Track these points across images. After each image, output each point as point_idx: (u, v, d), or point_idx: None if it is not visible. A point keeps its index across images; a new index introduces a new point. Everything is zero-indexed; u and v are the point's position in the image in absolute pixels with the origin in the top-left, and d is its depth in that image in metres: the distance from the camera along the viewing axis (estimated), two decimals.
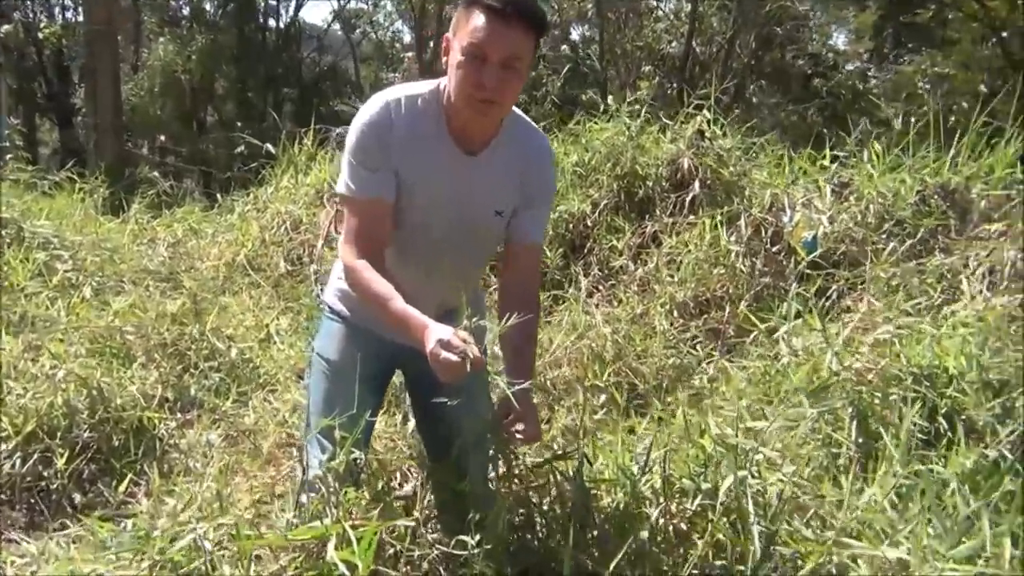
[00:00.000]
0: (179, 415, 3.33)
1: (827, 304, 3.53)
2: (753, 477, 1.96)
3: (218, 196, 7.54)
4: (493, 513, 1.81)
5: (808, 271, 3.68)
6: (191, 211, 6.33)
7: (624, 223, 4.33)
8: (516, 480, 1.99)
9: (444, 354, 1.67)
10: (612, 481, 2.13)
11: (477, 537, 1.81)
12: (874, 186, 4.02)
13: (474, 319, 1.74)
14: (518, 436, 1.83)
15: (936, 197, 3.95)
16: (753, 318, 3.24)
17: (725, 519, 1.93)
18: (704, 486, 1.98)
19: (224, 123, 14.25)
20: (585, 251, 4.42)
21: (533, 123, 2.06)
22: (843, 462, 2.42)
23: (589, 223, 4.45)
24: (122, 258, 4.94)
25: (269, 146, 7.08)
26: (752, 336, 3.29)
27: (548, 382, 3.32)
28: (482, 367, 1.71)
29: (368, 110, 1.90)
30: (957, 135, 4.27)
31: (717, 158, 4.35)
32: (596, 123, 4.87)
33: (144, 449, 3.02)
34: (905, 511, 1.96)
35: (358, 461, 1.96)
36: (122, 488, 2.72)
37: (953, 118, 4.15)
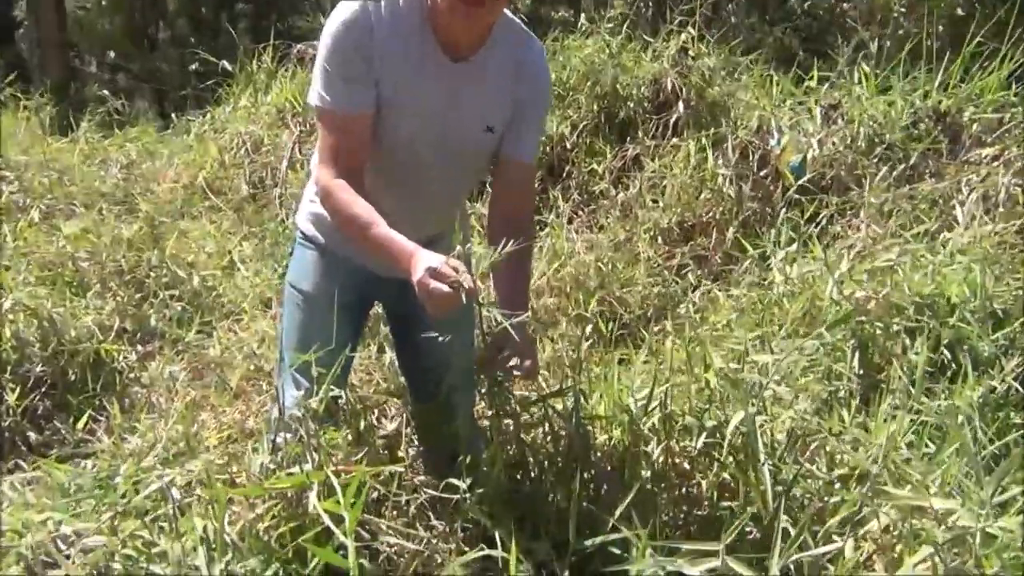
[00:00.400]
0: (139, 347, 3.14)
1: (816, 230, 3.42)
2: (760, 414, 1.85)
3: (172, 116, 7.20)
4: (488, 455, 1.68)
5: (796, 196, 3.55)
6: (145, 131, 5.99)
7: (605, 146, 4.15)
8: (508, 419, 1.85)
9: (434, 284, 1.51)
10: (609, 418, 2.01)
11: (468, 480, 1.68)
12: (864, 109, 3.87)
13: (467, 244, 1.57)
14: (515, 372, 1.68)
15: (927, 120, 3.82)
16: (746, 243, 3.11)
17: (732, 458, 1.82)
18: (708, 423, 1.86)
19: (176, 39, 13.61)
20: (564, 175, 4.24)
21: (527, 28, 1.86)
22: (843, 395, 2.33)
23: (568, 145, 4.26)
24: (72, 180, 4.65)
25: (225, 63, 6.71)
26: (744, 265, 3.17)
27: (530, 311, 3.18)
28: (475, 298, 1.56)
29: (345, 10, 1.69)
30: (946, 57, 4.12)
31: (701, 77, 4.16)
32: (575, 40, 4.64)
33: (103, 383, 2.85)
34: (921, 448, 1.87)
35: (337, 399, 1.80)
36: (80, 425, 2.54)
37: (929, 41, 3.96)
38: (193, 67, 10.13)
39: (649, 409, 1.89)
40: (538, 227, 3.92)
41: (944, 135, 3.77)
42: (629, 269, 3.42)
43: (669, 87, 4.16)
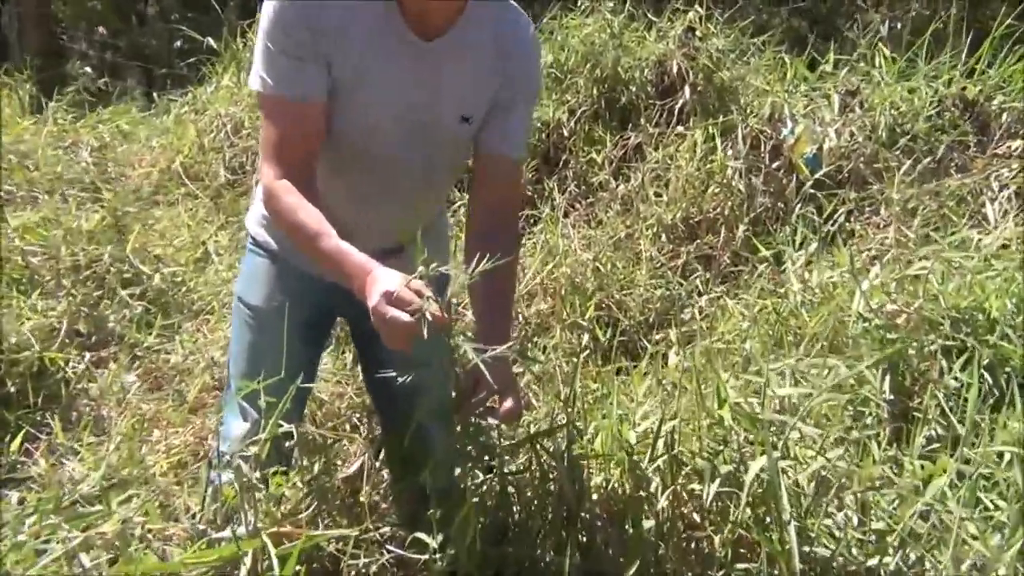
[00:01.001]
0: (92, 353, 2.87)
1: (833, 228, 3.14)
2: (783, 457, 1.58)
3: (154, 95, 6.90)
4: (462, 515, 1.41)
5: (812, 191, 3.27)
6: (120, 111, 5.69)
7: (604, 133, 3.85)
8: (487, 469, 1.58)
9: (392, 312, 1.23)
10: (607, 456, 1.74)
11: (440, 538, 1.41)
12: (884, 96, 3.58)
13: (432, 264, 1.29)
14: (491, 418, 1.41)
15: (953, 109, 3.53)
16: (757, 243, 2.83)
17: (750, 510, 1.55)
18: (723, 468, 1.59)
19: (164, 14, 13.24)
20: (560, 164, 3.95)
21: (514, 2, 1.57)
22: (870, 422, 2.06)
23: (565, 133, 3.96)
24: (36, 164, 4.36)
25: (210, 40, 6.40)
26: (756, 269, 2.89)
27: (521, 317, 2.90)
28: (444, 328, 1.28)
29: None
30: (965, 40, 3.83)
31: (709, 60, 3.86)
32: (573, 18, 4.33)
33: (46, 396, 2.57)
34: (963, 494, 1.60)
35: (289, 436, 1.53)
36: (15, 446, 2.27)
37: (943, 23, 3.66)
38: (177, 44, 9.81)
39: (654, 452, 1.62)
40: (531, 222, 3.64)
41: (971, 125, 3.49)
42: (629, 269, 3.14)
43: (675, 70, 3.86)
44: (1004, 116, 3.49)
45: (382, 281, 1.27)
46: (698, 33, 4.00)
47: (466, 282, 1.34)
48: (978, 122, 3.51)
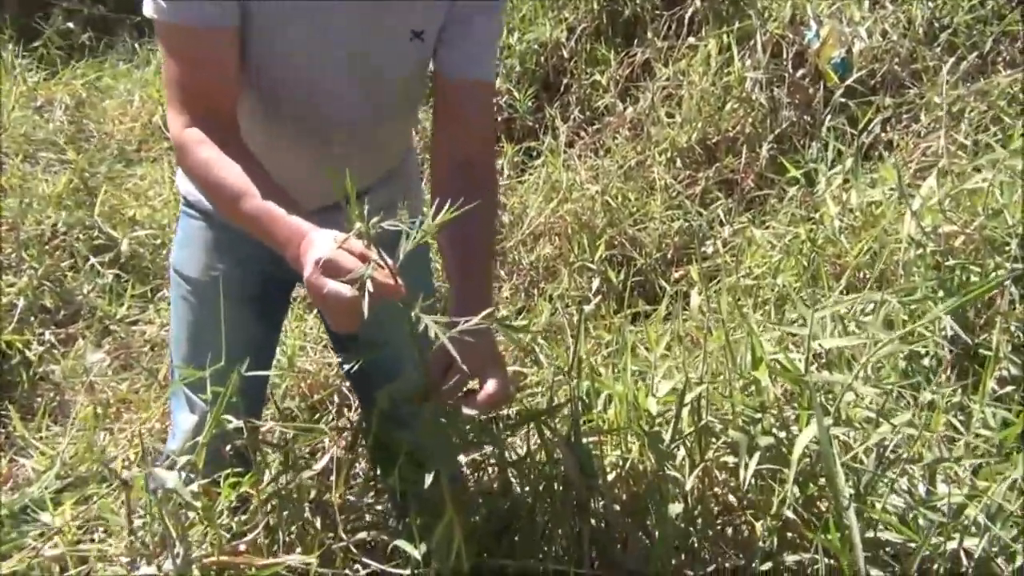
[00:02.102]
0: (58, 330, 2.63)
1: (867, 141, 2.81)
2: (837, 424, 1.30)
3: (135, 46, 6.56)
4: (443, 523, 1.14)
5: (842, 100, 2.92)
6: (92, 65, 5.37)
7: (608, 51, 3.49)
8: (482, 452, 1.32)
9: (329, 285, 0.95)
10: (621, 429, 1.47)
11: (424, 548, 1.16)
12: None
13: (375, 218, 0.99)
14: (470, 404, 1.13)
15: None
16: (785, 162, 2.51)
17: (798, 490, 1.28)
18: (762, 440, 1.31)
19: None
20: (562, 89, 3.60)
21: None
22: (929, 364, 1.78)
23: (565, 54, 3.61)
24: (3, 126, 4.08)
25: None
26: (786, 192, 2.57)
27: (527, 263, 2.62)
28: (397, 295, 0.99)
29: None
30: None
31: None
32: None
33: (5, 382, 2.34)
34: None
35: (240, 432, 1.26)
36: None
37: None
38: None
39: (678, 424, 1.35)
40: (533, 155, 3.32)
41: (1019, 14, 3.10)
42: (643, 201, 2.83)
43: None
44: None
45: (317, 245, 0.99)
46: None
47: (430, 231, 1.04)
48: None
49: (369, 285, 0.93)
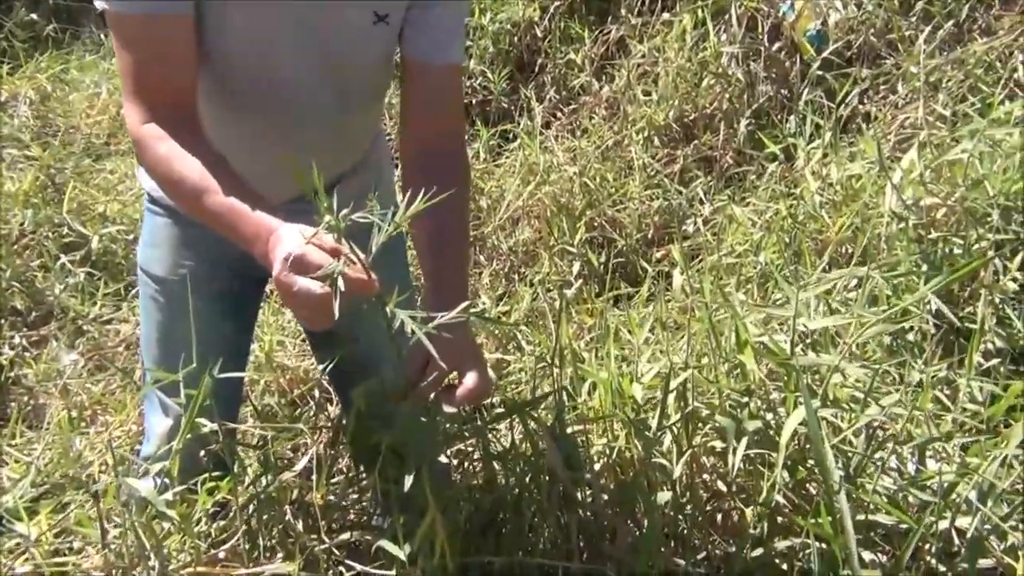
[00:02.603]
0: (30, 332, 2.57)
1: (845, 114, 2.78)
2: (825, 406, 1.28)
3: (102, 37, 6.43)
4: (424, 523, 1.11)
5: (819, 72, 2.90)
6: (56, 57, 5.26)
7: (582, 30, 3.44)
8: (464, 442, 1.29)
9: (299, 283, 0.91)
10: (608, 416, 1.44)
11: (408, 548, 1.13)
12: None
13: (345, 211, 0.95)
14: (449, 399, 1.09)
15: None
16: (764, 138, 2.48)
17: (787, 474, 1.26)
18: (750, 425, 1.29)
19: None
20: (536, 69, 3.55)
21: None
22: (914, 339, 1.76)
23: (538, 33, 3.55)
24: None
25: None
26: (766, 168, 2.54)
27: (506, 248, 2.58)
28: (371, 291, 0.96)
29: None
30: None
31: None
32: None
33: None
34: None
35: (217, 435, 1.23)
36: None
37: None
38: None
39: (664, 409, 1.32)
40: (509, 138, 3.28)
41: None
42: (621, 181, 2.80)
43: None
44: None
45: (285, 241, 0.95)
46: None
47: (402, 222, 1.00)
48: None
49: (340, 281, 0.90)
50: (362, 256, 0.94)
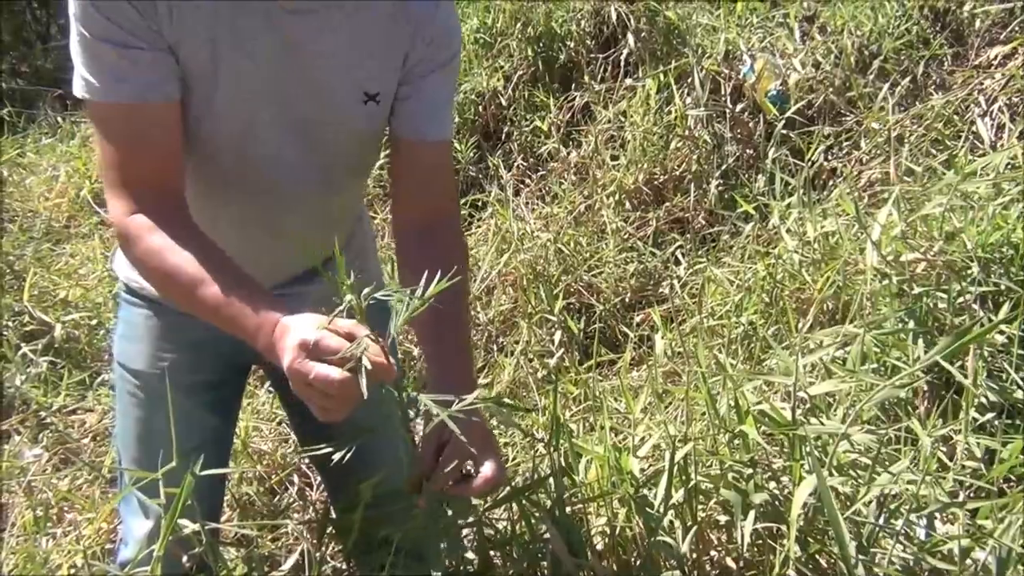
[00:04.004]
0: None
1: (811, 171, 2.82)
2: (832, 474, 1.25)
3: (58, 119, 6.39)
4: None
5: (783, 131, 2.94)
6: (15, 142, 5.20)
7: (547, 97, 3.47)
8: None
9: (316, 370, 0.87)
10: (607, 494, 1.39)
11: None
12: (844, 17, 3.24)
13: (362, 290, 0.92)
14: (464, 489, 1.04)
15: (923, 22, 3.21)
16: (737, 198, 2.49)
17: (799, 548, 1.22)
18: (757, 497, 1.25)
19: (63, 30, 12.53)
20: (503, 137, 3.57)
21: None
22: (906, 395, 1.75)
23: (503, 102, 3.58)
24: None
25: None
26: (743, 229, 2.55)
27: (484, 319, 2.54)
28: (390, 378, 0.92)
29: None
30: None
31: (650, 0, 3.48)
32: None
33: None
34: None
35: (199, 538, 1.16)
36: None
37: None
38: None
39: (670, 487, 1.28)
40: (478, 207, 3.27)
41: (945, 38, 3.17)
42: (595, 246, 2.79)
43: (613, 17, 3.48)
44: (978, 22, 3.17)
45: (295, 329, 0.90)
46: None
47: (415, 311, 0.96)
48: (951, 33, 3.20)
49: (366, 361, 0.85)
50: (379, 339, 0.90)
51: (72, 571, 1.79)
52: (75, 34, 1.02)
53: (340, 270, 0.91)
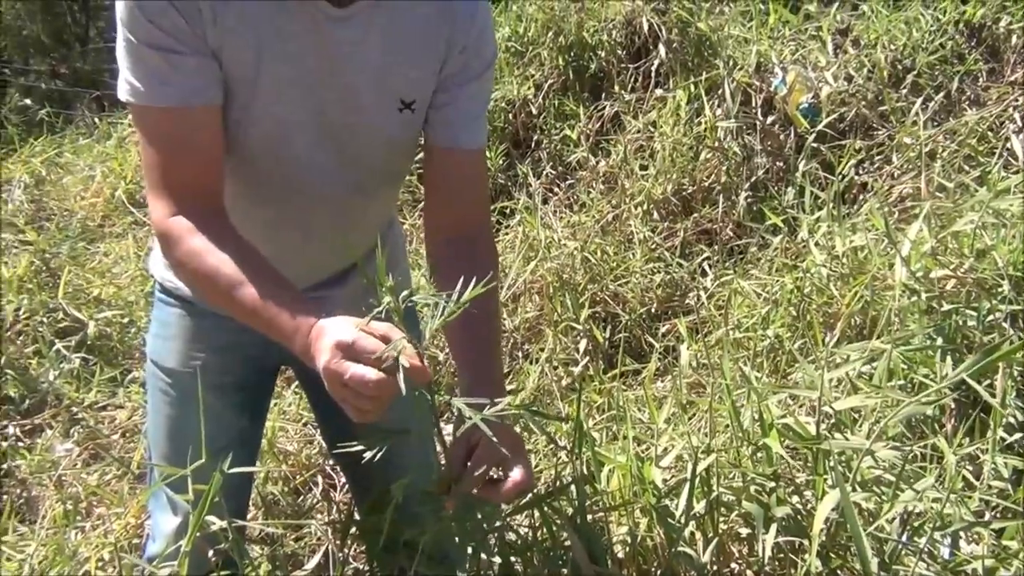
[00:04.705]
0: (24, 421, 2.51)
1: (841, 185, 2.80)
2: (856, 489, 1.24)
3: (96, 120, 6.50)
4: None
5: (814, 144, 2.92)
6: (54, 142, 5.29)
7: (577, 106, 3.49)
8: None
9: (353, 369, 0.89)
10: (629, 503, 1.40)
11: None
12: (880, 30, 3.23)
13: (401, 293, 0.94)
14: (493, 493, 1.05)
15: (958, 38, 3.19)
16: (766, 210, 2.49)
17: (820, 564, 1.22)
18: (779, 511, 1.25)
19: (103, 34, 12.76)
20: (532, 146, 3.59)
21: None
22: (933, 412, 1.73)
23: (533, 110, 3.60)
24: None
25: None
26: (772, 241, 2.54)
27: (510, 326, 2.56)
28: (424, 379, 0.93)
29: None
30: None
31: (683, 10, 3.49)
32: None
33: None
34: None
35: (225, 534, 1.17)
36: None
37: None
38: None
39: (692, 498, 1.28)
40: (507, 214, 3.28)
41: (980, 53, 3.14)
42: (622, 255, 2.79)
43: (645, 27, 3.49)
44: (1014, 39, 3.14)
45: (331, 331, 0.92)
46: None
47: (451, 315, 0.98)
48: (987, 49, 3.17)
49: (403, 360, 0.87)
50: (415, 342, 0.92)
51: (99, 564, 1.82)
52: (121, 39, 1.05)
53: (380, 271, 0.93)
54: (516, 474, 1.02)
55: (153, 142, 1.08)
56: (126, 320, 3.15)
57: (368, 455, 1.00)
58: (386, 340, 0.91)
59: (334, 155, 1.17)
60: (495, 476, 1.05)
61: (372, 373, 0.88)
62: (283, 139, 1.14)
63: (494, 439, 0.95)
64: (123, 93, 1.08)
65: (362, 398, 0.91)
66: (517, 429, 1.95)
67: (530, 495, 1.27)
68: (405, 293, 0.94)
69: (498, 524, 1.24)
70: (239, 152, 1.14)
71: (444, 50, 1.16)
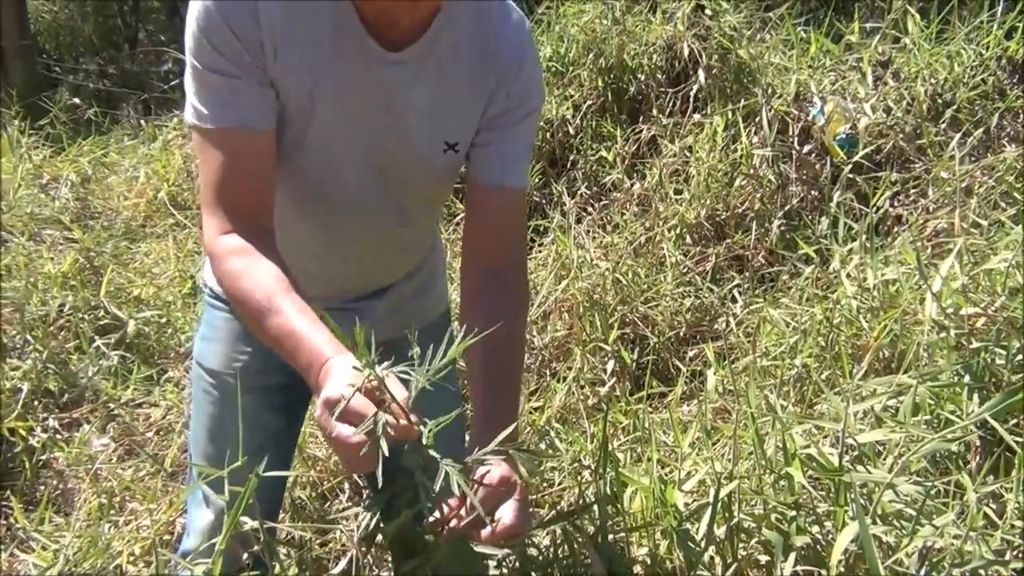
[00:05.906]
0: (62, 415, 2.58)
1: (875, 217, 2.80)
2: (876, 522, 1.26)
3: (142, 122, 6.64)
4: None
5: (849, 175, 2.93)
6: (100, 142, 5.41)
7: (614, 128, 3.53)
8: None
9: (337, 429, 0.91)
10: (650, 524, 1.42)
11: None
12: (919, 65, 3.23)
13: (389, 364, 0.96)
14: (491, 532, 1.06)
15: (999, 73, 3.18)
16: (799, 239, 2.50)
17: None
18: (798, 540, 1.27)
19: (152, 36, 13.01)
20: (568, 165, 3.63)
21: None
22: (957, 449, 1.74)
23: (571, 130, 3.64)
24: (9, 205, 4.08)
25: None
26: (803, 271, 2.55)
27: (539, 344, 2.59)
28: (411, 437, 0.95)
29: None
30: None
31: (724, 38, 3.52)
32: (571, 5, 4.01)
33: (6, 470, 2.29)
34: None
35: (257, 535, 1.21)
36: None
37: None
38: (166, 67, 9.56)
39: (713, 523, 1.30)
40: (540, 232, 3.32)
41: (1022, 90, 3.14)
42: (653, 278, 2.82)
43: (685, 53, 3.52)
44: None
45: (331, 381, 0.95)
46: (708, 11, 3.67)
47: (456, 354, 0.99)
48: None
49: (382, 432, 0.89)
50: (403, 397, 0.93)
51: (131, 559, 1.87)
52: (189, 67, 1.11)
53: (359, 346, 0.92)
54: (508, 517, 1.03)
55: (209, 161, 1.13)
56: (164, 320, 3.22)
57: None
58: (379, 400, 0.92)
59: (379, 186, 1.22)
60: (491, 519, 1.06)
61: (352, 435, 0.90)
62: (332, 168, 1.19)
63: (478, 492, 0.96)
64: (189, 116, 1.14)
65: (344, 456, 0.93)
66: (543, 446, 1.98)
67: (553, 512, 1.30)
68: (385, 364, 0.95)
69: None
70: (290, 176, 1.19)
71: (488, 96, 1.21)
